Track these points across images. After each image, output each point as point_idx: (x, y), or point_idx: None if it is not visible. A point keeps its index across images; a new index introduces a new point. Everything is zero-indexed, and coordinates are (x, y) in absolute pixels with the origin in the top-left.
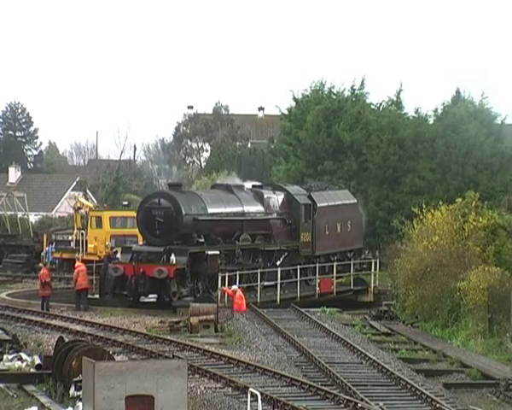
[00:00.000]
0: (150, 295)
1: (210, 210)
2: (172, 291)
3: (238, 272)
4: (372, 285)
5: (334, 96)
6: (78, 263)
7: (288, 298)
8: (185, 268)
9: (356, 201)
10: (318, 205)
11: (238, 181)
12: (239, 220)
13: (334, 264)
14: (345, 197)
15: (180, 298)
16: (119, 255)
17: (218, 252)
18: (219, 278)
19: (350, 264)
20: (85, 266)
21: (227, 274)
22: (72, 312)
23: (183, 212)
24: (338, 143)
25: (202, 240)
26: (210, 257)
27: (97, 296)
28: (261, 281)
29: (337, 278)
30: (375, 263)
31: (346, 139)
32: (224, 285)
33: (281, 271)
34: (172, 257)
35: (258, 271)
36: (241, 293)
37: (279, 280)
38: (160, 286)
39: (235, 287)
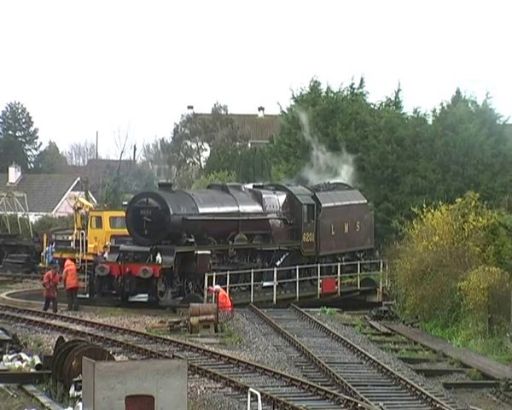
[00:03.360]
0: (141, 295)
1: (201, 210)
2: (159, 291)
3: (229, 272)
4: (381, 285)
5: (332, 95)
6: (67, 262)
7: (286, 298)
8: (172, 268)
9: (366, 201)
10: (323, 205)
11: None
12: (234, 220)
13: (339, 264)
14: (354, 197)
15: (171, 298)
16: (106, 255)
17: (208, 252)
18: (206, 277)
19: (357, 264)
20: (75, 266)
21: (214, 274)
22: (72, 312)
23: (171, 212)
24: (334, 142)
25: (192, 240)
26: (200, 257)
27: (87, 296)
28: (260, 281)
29: (346, 278)
30: (384, 264)
31: (341, 138)
32: (212, 285)
33: (282, 271)
34: (158, 257)
35: (252, 271)
36: (223, 292)
37: (275, 280)
38: (147, 286)
39: (217, 287)
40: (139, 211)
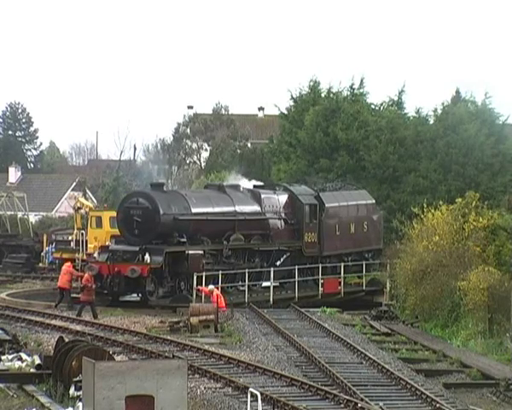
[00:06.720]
0: (134, 294)
1: (194, 210)
2: (148, 290)
3: (222, 272)
4: (388, 286)
5: (333, 96)
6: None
7: (285, 298)
8: (162, 267)
9: (374, 201)
10: (327, 205)
11: (245, 181)
12: (229, 220)
13: (342, 264)
14: (361, 197)
15: (161, 297)
16: (95, 254)
17: (201, 252)
18: (195, 277)
19: (362, 264)
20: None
21: (204, 274)
22: (72, 312)
23: (161, 211)
24: (335, 142)
25: (184, 240)
26: (191, 256)
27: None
28: (259, 281)
29: (353, 278)
30: (390, 264)
31: (342, 138)
32: (202, 285)
33: (282, 271)
34: (146, 256)
35: (246, 271)
36: (217, 292)
37: (272, 280)
38: (136, 285)
39: (211, 287)
40: (129, 211)
